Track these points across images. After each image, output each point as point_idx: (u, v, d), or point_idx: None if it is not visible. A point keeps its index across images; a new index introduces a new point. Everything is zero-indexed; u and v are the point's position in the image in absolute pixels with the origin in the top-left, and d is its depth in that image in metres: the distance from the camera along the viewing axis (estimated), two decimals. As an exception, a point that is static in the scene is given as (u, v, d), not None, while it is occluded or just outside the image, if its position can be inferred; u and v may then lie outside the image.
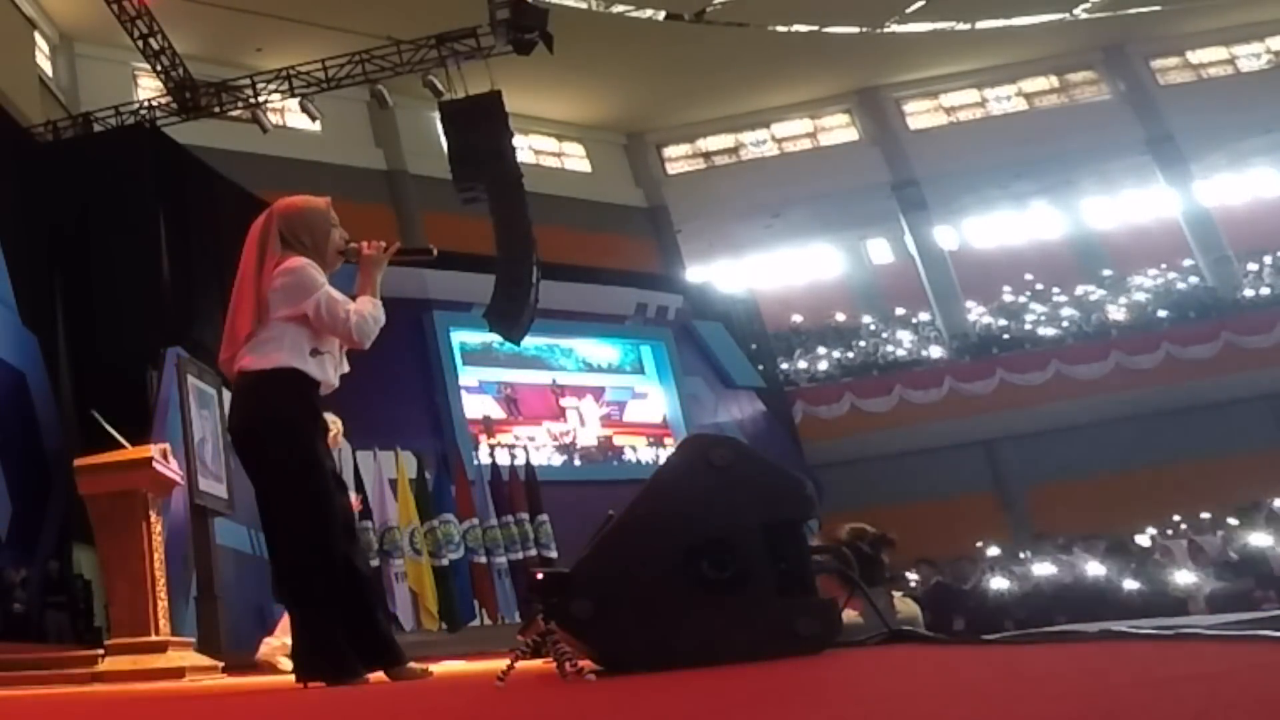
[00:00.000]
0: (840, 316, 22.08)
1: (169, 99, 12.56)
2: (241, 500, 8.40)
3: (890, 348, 20.79)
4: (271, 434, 3.36)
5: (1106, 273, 21.74)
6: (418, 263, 3.71)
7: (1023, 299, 21.54)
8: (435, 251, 3.69)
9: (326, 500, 3.36)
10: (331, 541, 3.34)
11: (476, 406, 14.67)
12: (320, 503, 3.34)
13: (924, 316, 21.70)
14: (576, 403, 15.84)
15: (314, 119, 13.27)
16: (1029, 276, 21.78)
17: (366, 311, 3.42)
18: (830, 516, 12.67)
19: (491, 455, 12.86)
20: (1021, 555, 12.43)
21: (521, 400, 15.48)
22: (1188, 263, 21.48)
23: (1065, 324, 20.41)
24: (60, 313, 10.59)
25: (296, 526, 3.34)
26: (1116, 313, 20.48)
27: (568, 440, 15.43)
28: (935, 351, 20.46)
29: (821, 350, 20.75)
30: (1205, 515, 13.42)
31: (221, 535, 8.95)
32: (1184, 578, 7.38)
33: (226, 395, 5.36)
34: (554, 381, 15.88)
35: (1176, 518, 14.54)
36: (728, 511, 2.55)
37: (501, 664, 2.50)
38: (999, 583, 9.32)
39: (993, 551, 13.26)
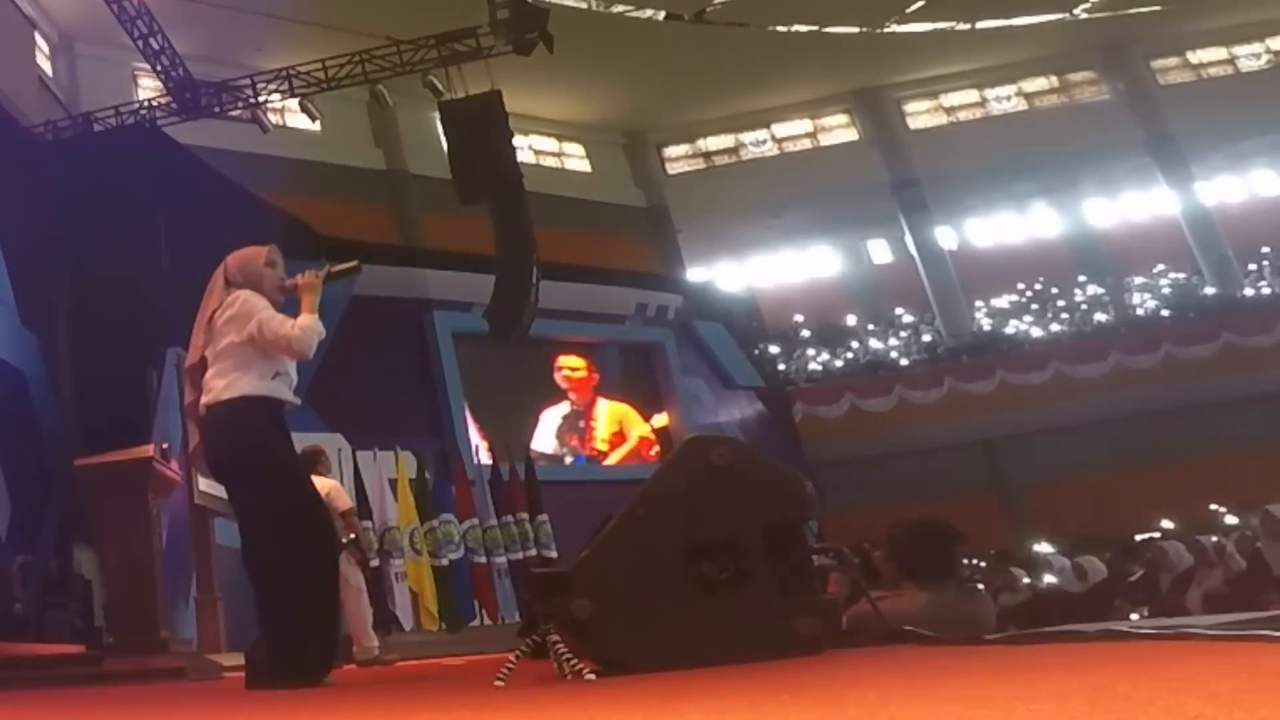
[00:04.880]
0: (850, 320, 22.08)
1: (169, 99, 12.55)
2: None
3: (879, 347, 20.82)
4: (251, 458, 3.53)
5: (1092, 270, 21.72)
6: (347, 276, 3.95)
7: (1024, 294, 21.55)
8: (361, 267, 3.97)
9: (306, 515, 3.55)
10: (305, 555, 3.49)
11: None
12: (299, 519, 3.51)
13: (908, 319, 21.72)
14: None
15: (314, 119, 13.27)
16: (1028, 278, 21.79)
17: (305, 325, 3.62)
18: (830, 516, 12.70)
19: (491, 455, 12.87)
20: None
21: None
22: (1187, 263, 21.49)
23: (1065, 324, 20.42)
24: (60, 312, 10.59)
25: (268, 544, 3.47)
26: (1116, 313, 20.48)
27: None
28: (926, 336, 20.54)
29: (814, 352, 20.78)
30: (1210, 511, 13.42)
31: (221, 535, 8.95)
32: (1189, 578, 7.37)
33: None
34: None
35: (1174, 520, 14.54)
36: (728, 511, 2.56)
37: (501, 664, 2.50)
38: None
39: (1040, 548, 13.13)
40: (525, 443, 13.83)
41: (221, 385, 3.54)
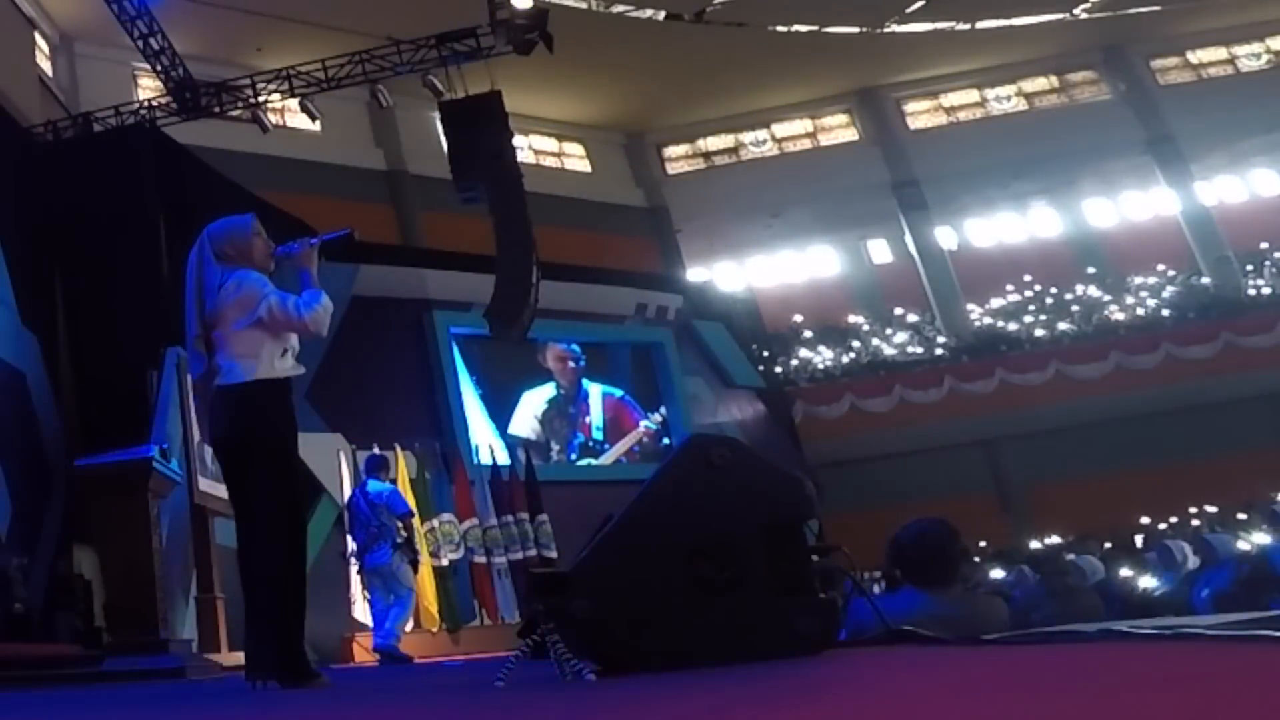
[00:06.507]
0: (851, 319, 22.07)
1: (169, 99, 12.54)
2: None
3: (881, 345, 20.81)
4: (256, 443, 3.57)
5: (1092, 270, 21.71)
6: (342, 246, 3.95)
7: (1026, 296, 21.55)
8: (355, 234, 3.96)
9: (300, 508, 3.71)
10: (303, 548, 3.60)
11: (476, 406, 14.66)
12: (296, 509, 3.64)
13: (913, 317, 21.72)
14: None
15: (314, 119, 13.27)
16: (1028, 277, 21.80)
17: (316, 303, 3.62)
18: (830, 516, 12.68)
19: (491, 455, 12.87)
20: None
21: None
22: (1187, 263, 21.49)
23: (1065, 324, 20.42)
24: (60, 313, 10.58)
25: (277, 532, 3.51)
26: (1116, 313, 20.48)
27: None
28: (939, 339, 20.52)
29: (812, 351, 20.78)
30: (1211, 510, 13.41)
31: (221, 535, 8.93)
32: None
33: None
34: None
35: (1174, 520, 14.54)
36: (727, 511, 2.55)
37: (501, 664, 2.50)
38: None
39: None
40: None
41: (235, 369, 3.57)
